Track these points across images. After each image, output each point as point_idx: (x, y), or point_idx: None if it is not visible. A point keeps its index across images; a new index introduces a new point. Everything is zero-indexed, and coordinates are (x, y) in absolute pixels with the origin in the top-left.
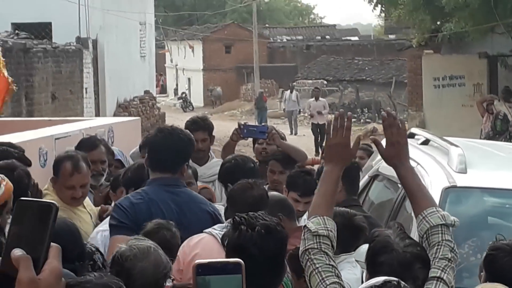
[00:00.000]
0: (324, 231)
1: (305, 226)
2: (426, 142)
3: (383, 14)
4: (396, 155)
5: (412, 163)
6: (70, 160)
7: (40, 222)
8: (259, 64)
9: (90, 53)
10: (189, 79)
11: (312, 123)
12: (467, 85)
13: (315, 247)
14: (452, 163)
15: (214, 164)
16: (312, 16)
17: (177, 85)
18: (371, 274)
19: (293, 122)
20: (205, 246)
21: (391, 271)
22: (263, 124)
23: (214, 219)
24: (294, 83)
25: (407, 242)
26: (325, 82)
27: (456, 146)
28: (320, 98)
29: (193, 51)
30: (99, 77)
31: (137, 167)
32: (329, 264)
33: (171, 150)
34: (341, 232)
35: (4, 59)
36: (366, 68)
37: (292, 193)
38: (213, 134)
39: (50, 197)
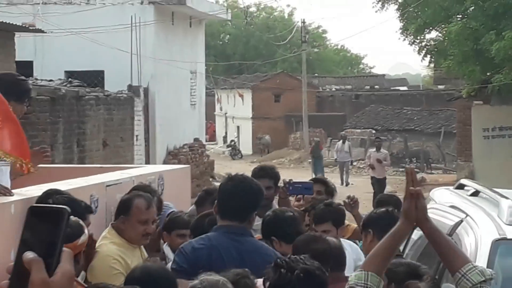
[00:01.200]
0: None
1: (350, 275)
2: (476, 193)
3: (432, 65)
4: (420, 217)
5: (462, 215)
6: (141, 196)
7: (53, 227)
8: (308, 113)
9: (141, 101)
10: (238, 127)
11: (372, 177)
12: None
13: None
14: (502, 215)
15: None
16: (361, 66)
17: (226, 133)
18: None
19: (344, 174)
20: None
21: None
22: (308, 181)
23: None
24: (343, 132)
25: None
26: (374, 131)
27: (507, 198)
28: (382, 150)
29: (242, 99)
30: (150, 125)
31: (201, 216)
32: None
33: (241, 198)
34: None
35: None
36: (415, 118)
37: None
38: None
39: (109, 241)
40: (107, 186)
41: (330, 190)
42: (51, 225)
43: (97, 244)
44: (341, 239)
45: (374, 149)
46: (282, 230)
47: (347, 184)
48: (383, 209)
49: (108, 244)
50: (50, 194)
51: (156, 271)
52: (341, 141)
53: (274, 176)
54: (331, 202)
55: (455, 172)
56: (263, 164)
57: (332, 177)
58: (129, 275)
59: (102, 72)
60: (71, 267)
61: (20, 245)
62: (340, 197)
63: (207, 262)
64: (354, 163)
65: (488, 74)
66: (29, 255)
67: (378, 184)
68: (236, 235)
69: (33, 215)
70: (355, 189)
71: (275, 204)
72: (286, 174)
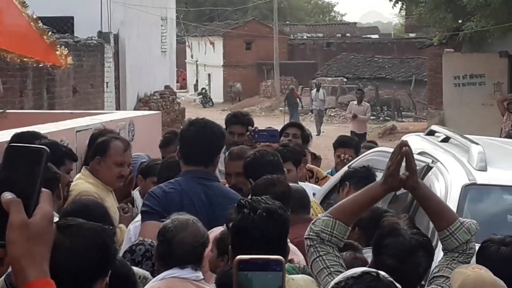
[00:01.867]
0: (327, 236)
1: (318, 217)
2: (446, 139)
3: (403, 12)
4: (410, 184)
5: (430, 160)
6: (118, 139)
7: (31, 167)
8: (279, 61)
9: (111, 48)
10: (209, 75)
11: (351, 131)
12: (488, 84)
13: (318, 240)
14: (472, 160)
15: None
16: (332, 13)
17: (197, 80)
18: (375, 257)
19: (320, 122)
20: None
21: (394, 254)
22: (270, 127)
23: None
24: (315, 80)
25: (414, 231)
26: (345, 79)
27: (477, 143)
28: (364, 102)
29: (213, 47)
30: (120, 72)
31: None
32: (334, 254)
33: (204, 143)
34: (371, 227)
35: None
36: (386, 66)
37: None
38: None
39: (84, 181)
40: (77, 131)
41: (305, 135)
42: (29, 166)
43: (72, 184)
44: (308, 184)
45: (355, 102)
46: (260, 173)
47: (319, 133)
48: (360, 165)
49: (84, 183)
50: (27, 136)
51: (90, 202)
52: (315, 89)
53: (247, 122)
54: (287, 143)
55: (425, 120)
56: (236, 111)
57: (306, 125)
58: (64, 209)
59: (71, 18)
60: (50, 208)
61: None
62: (314, 147)
63: (179, 206)
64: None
65: (459, 21)
66: (7, 195)
67: (358, 139)
68: (203, 179)
69: (11, 155)
70: (327, 138)
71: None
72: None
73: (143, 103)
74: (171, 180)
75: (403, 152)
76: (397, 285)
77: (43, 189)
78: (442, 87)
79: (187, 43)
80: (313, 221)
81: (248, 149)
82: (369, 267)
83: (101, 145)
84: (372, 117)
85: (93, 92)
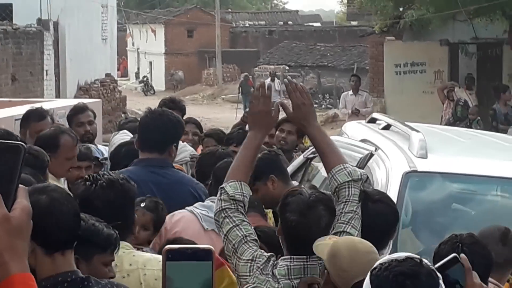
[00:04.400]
0: (240, 197)
1: (222, 187)
2: (387, 127)
3: (345, 0)
4: (303, 116)
5: (373, 148)
6: (65, 133)
7: (9, 163)
8: (221, 48)
9: (51, 35)
10: (150, 62)
11: None
12: (428, 72)
13: (232, 207)
14: (413, 148)
15: (183, 149)
16: (275, 1)
17: (138, 68)
18: (281, 218)
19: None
20: (185, 224)
21: (295, 209)
22: None
23: (198, 200)
24: (256, 68)
25: (313, 190)
26: (287, 67)
27: (417, 131)
28: (361, 91)
29: (155, 34)
30: (60, 59)
31: (120, 145)
32: (247, 222)
33: (159, 130)
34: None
35: None
36: (328, 54)
37: (230, 147)
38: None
39: None
40: (16, 120)
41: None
42: (7, 161)
43: None
44: None
45: (350, 92)
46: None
47: None
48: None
49: None
50: None
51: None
52: (269, 78)
53: (180, 109)
54: (242, 126)
55: None
56: (173, 97)
57: None
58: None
59: (10, 5)
60: (28, 203)
61: None
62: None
63: None
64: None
65: (400, 9)
66: None
67: None
68: (156, 168)
69: None
70: None
71: None
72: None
73: (83, 91)
74: (122, 169)
75: (268, 87)
76: (438, 274)
77: (20, 185)
78: (383, 75)
79: (128, 31)
80: (220, 192)
81: None
82: (277, 230)
83: (50, 141)
84: (314, 105)
85: (32, 80)
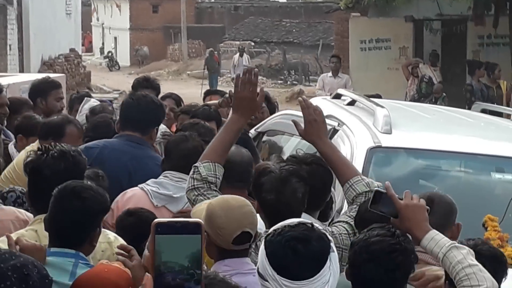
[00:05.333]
0: (213, 179)
1: (195, 166)
2: (352, 103)
3: None
4: (315, 132)
5: (336, 123)
6: (73, 123)
7: None
8: (186, 24)
9: (14, 10)
10: (115, 38)
11: None
12: (393, 48)
13: (205, 187)
14: (377, 123)
15: None
16: None
17: (103, 44)
18: (257, 198)
19: None
20: (136, 201)
21: (271, 188)
22: None
23: None
24: (221, 44)
25: (282, 165)
26: (253, 43)
27: (382, 107)
28: (341, 74)
29: (119, 9)
30: (24, 34)
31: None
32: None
33: (141, 110)
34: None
35: None
36: (294, 30)
37: None
38: None
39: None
40: None
41: (272, 108)
42: None
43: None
44: None
45: (330, 73)
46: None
47: None
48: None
49: None
50: None
51: None
52: (237, 54)
53: (158, 88)
54: (208, 104)
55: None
56: (147, 75)
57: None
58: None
59: None
60: None
61: None
62: None
63: (98, 160)
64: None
65: None
66: None
67: None
68: (133, 142)
69: None
70: None
71: None
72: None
73: (47, 66)
74: (101, 140)
75: (255, 73)
76: (329, 237)
77: None
78: (349, 51)
79: (92, 6)
80: (193, 171)
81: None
82: (256, 208)
83: (56, 129)
84: (279, 81)
85: None
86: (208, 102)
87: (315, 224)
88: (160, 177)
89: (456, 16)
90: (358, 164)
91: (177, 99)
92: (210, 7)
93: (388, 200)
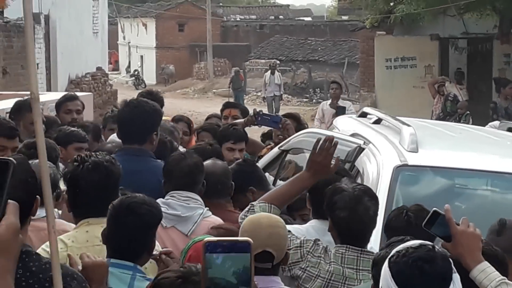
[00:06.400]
0: None
1: (252, 204)
2: (378, 121)
3: None
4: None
5: (361, 141)
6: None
7: None
8: (212, 43)
9: (42, 29)
10: (141, 56)
11: None
12: (419, 67)
13: None
14: (403, 142)
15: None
16: None
17: (129, 62)
18: (330, 216)
19: (274, 111)
20: None
21: (344, 206)
22: (276, 114)
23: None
24: (247, 62)
25: (355, 184)
26: (278, 61)
27: (408, 125)
28: (341, 101)
29: (146, 28)
30: (51, 53)
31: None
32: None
33: (136, 122)
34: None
35: None
36: (319, 48)
37: (226, 144)
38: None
39: None
40: (7, 113)
41: (302, 129)
42: None
43: None
44: None
45: (329, 102)
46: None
47: None
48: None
49: None
50: None
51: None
52: (269, 71)
53: (161, 100)
54: (235, 123)
55: (358, 103)
56: (150, 89)
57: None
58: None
59: None
60: (17, 220)
61: None
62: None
63: None
64: (259, 93)
65: (391, 4)
66: None
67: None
68: (132, 156)
69: None
70: None
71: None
72: (191, 105)
73: (74, 84)
74: None
75: (334, 143)
76: (450, 259)
77: (10, 201)
78: (374, 69)
79: (119, 25)
80: (248, 208)
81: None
82: (329, 227)
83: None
84: (304, 100)
85: (23, 73)
86: (236, 121)
87: (435, 246)
88: (167, 197)
89: (481, 35)
90: (384, 182)
91: (189, 122)
92: (235, 26)
93: (444, 223)
